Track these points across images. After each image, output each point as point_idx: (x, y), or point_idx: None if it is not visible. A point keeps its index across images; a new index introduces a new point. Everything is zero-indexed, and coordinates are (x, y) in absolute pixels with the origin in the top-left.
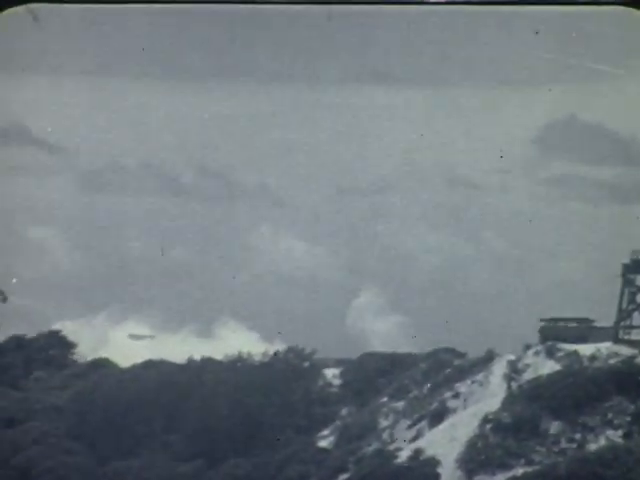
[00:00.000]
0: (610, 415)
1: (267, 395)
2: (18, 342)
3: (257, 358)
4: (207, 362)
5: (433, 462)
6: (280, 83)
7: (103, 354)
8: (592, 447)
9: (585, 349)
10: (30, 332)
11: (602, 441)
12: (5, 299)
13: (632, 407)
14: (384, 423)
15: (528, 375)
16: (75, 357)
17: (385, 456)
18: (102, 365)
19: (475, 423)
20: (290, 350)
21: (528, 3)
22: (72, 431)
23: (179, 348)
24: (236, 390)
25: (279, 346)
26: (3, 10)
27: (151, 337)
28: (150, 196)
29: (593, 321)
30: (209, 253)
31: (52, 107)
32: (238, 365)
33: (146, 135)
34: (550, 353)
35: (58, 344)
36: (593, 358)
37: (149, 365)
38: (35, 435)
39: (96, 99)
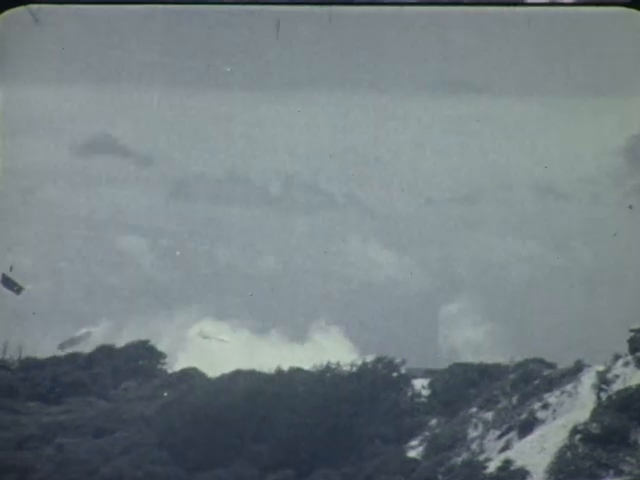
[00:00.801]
0: None
1: (356, 405)
2: (107, 352)
3: (346, 368)
4: (296, 372)
5: (522, 473)
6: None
7: (192, 364)
8: None
9: None
10: (120, 342)
11: None
12: (20, 290)
13: None
14: (473, 433)
15: (617, 386)
16: (164, 367)
17: (474, 466)
18: (191, 375)
19: (564, 434)
20: (379, 360)
21: (528, 4)
22: (161, 441)
23: (268, 355)
24: (325, 400)
25: (368, 356)
26: (3, 11)
27: (223, 340)
28: (238, 206)
29: None
30: (297, 262)
31: (139, 117)
32: (327, 375)
33: (233, 145)
34: None
35: (147, 354)
36: None
37: (238, 375)
38: (124, 445)
39: (181, 109)
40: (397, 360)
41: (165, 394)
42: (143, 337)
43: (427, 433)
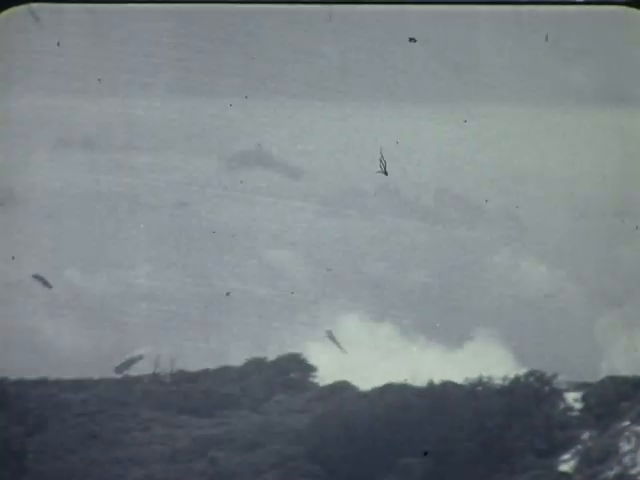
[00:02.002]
0: None
1: (507, 419)
2: (258, 365)
3: (498, 382)
4: (447, 385)
5: None
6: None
7: (344, 377)
8: None
9: None
10: (270, 355)
11: None
12: (47, 285)
13: None
14: (626, 447)
15: None
16: (315, 380)
17: None
18: (342, 388)
19: None
20: (531, 374)
21: (529, 3)
22: (312, 455)
23: (420, 367)
24: (476, 414)
25: (520, 369)
26: (3, 10)
27: (343, 350)
28: (389, 219)
29: None
30: (448, 275)
31: (292, 130)
32: (479, 389)
33: (385, 156)
34: None
35: (298, 367)
36: None
37: (389, 388)
38: (275, 459)
39: (331, 122)
40: (549, 374)
41: (316, 407)
42: (292, 350)
43: (579, 446)
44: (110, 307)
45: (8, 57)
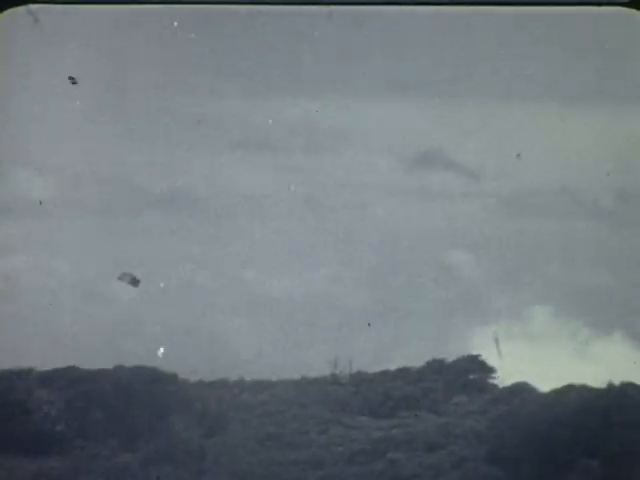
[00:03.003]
0: None
1: None
2: (438, 367)
3: None
4: (627, 387)
5: None
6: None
7: (523, 378)
8: None
9: None
10: (450, 356)
11: None
12: (136, 282)
13: None
14: None
15: None
16: (494, 381)
17: None
18: (521, 389)
19: None
20: None
21: (529, 3)
22: (491, 456)
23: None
24: None
25: None
26: (2, 11)
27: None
28: (567, 220)
29: None
30: (630, 275)
31: (471, 132)
32: None
33: (562, 158)
34: None
35: (478, 368)
36: None
37: (569, 389)
38: (454, 460)
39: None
40: None
41: (495, 408)
42: (469, 351)
43: None
44: (286, 309)
45: (7, 57)
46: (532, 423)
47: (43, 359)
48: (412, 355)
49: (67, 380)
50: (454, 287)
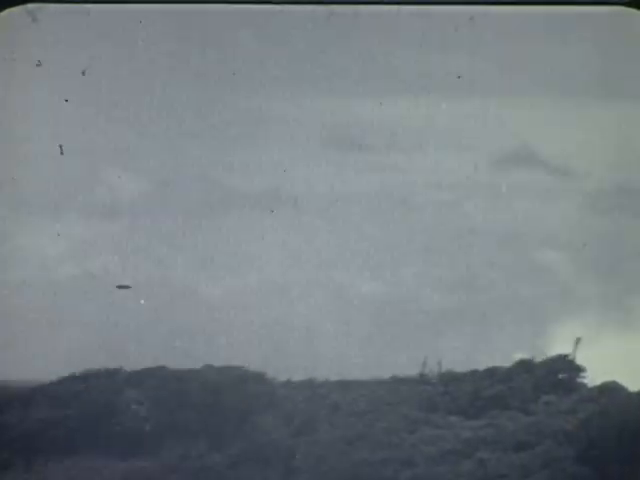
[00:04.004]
0: None
1: None
2: (527, 366)
3: None
4: None
5: None
6: None
7: (613, 377)
8: None
9: None
10: (538, 355)
11: None
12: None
13: None
14: None
15: None
16: (584, 380)
17: None
18: (611, 388)
19: None
20: None
21: (529, 4)
22: (581, 456)
23: None
24: None
25: None
26: (1, 11)
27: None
28: None
29: None
30: None
31: (558, 129)
32: None
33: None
34: None
35: (567, 367)
36: None
37: None
38: (544, 460)
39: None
40: None
41: (585, 408)
42: (558, 350)
43: None
44: (373, 308)
45: (7, 57)
46: (622, 423)
47: (132, 359)
48: (501, 354)
49: (156, 380)
50: (543, 286)
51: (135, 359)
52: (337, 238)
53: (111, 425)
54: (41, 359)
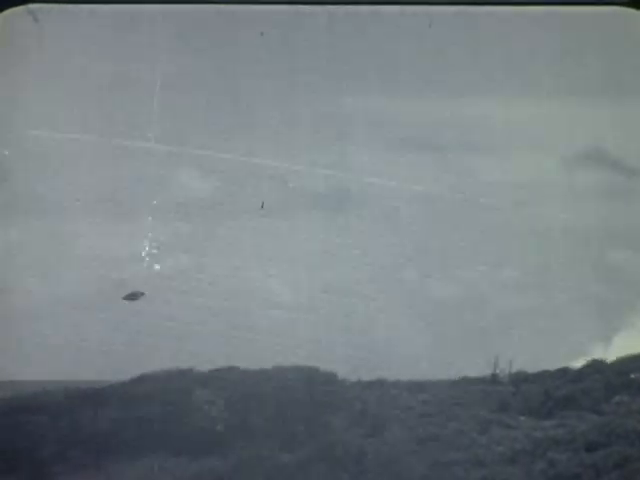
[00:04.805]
0: None
1: None
2: (598, 366)
3: None
4: None
5: None
6: None
7: None
8: None
9: None
10: (610, 355)
11: None
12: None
13: None
14: None
15: None
16: None
17: None
18: None
19: None
20: None
21: (530, 4)
22: None
23: None
24: None
25: None
26: (2, 11)
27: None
28: None
29: None
30: None
31: (630, 130)
32: None
33: None
34: None
35: (639, 368)
36: None
37: None
38: (616, 460)
39: None
40: None
41: None
42: (630, 350)
43: None
44: (445, 308)
45: (7, 57)
46: None
47: (203, 359)
48: (572, 355)
49: (227, 380)
50: (616, 286)
51: (207, 359)
52: (408, 238)
53: (182, 425)
54: (112, 359)
